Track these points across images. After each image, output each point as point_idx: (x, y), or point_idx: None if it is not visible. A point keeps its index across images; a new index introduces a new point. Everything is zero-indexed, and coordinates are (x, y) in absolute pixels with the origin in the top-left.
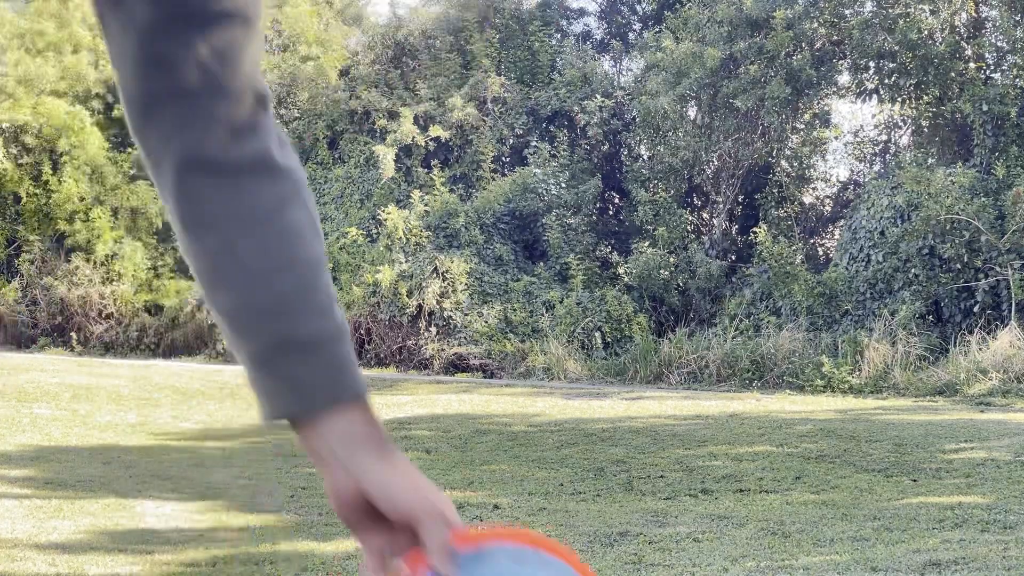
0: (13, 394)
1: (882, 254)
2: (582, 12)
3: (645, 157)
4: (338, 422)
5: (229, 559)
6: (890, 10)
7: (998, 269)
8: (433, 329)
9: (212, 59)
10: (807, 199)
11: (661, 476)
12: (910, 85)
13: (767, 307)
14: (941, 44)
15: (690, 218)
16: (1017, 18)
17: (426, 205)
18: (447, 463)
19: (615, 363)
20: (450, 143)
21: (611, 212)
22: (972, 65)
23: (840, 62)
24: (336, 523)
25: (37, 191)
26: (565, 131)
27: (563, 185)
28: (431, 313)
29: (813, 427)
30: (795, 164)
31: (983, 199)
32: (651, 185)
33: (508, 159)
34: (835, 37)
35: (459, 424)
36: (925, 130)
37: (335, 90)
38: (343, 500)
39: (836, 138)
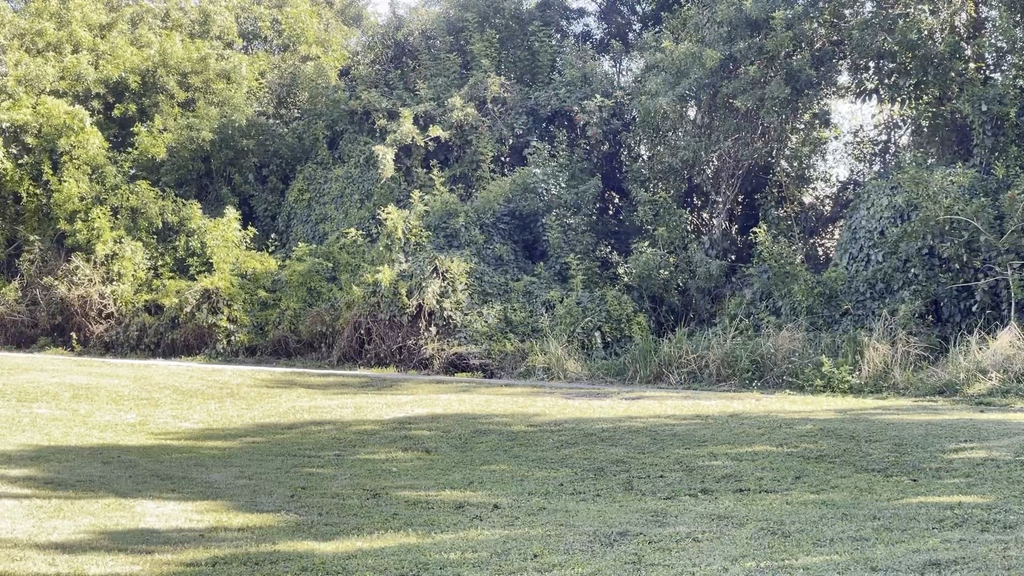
0: (13, 394)
1: (882, 254)
2: (582, 12)
3: (645, 157)
4: None
5: (229, 559)
6: (890, 10)
7: (997, 269)
8: (433, 329)
9: None
10: (807, 199)
11: (661, 476)
12: (910, 85)
13: (767, 307)
14: (941, 44)
15: (690, 218)
16: (1017, 18)
17: (426, 205)
18: (447, 463)
19: (615, 363)
20: (450, 143)
21: (611, 212)
22: (972, 65)
23: (840, 62)
24: (336, 523)
25: (37, 191)
26: (565, 131)
27: (563, 185)
28: (431, 313)
29: (813, 427)
30: (795, 164)
31: (982, 199)
32: (651, 185)
33: (508, 159)
34: (835, 37)
35: (459, 424)
36: (925, 130)
37: (335, 90)
38: None
39: (836, 138)
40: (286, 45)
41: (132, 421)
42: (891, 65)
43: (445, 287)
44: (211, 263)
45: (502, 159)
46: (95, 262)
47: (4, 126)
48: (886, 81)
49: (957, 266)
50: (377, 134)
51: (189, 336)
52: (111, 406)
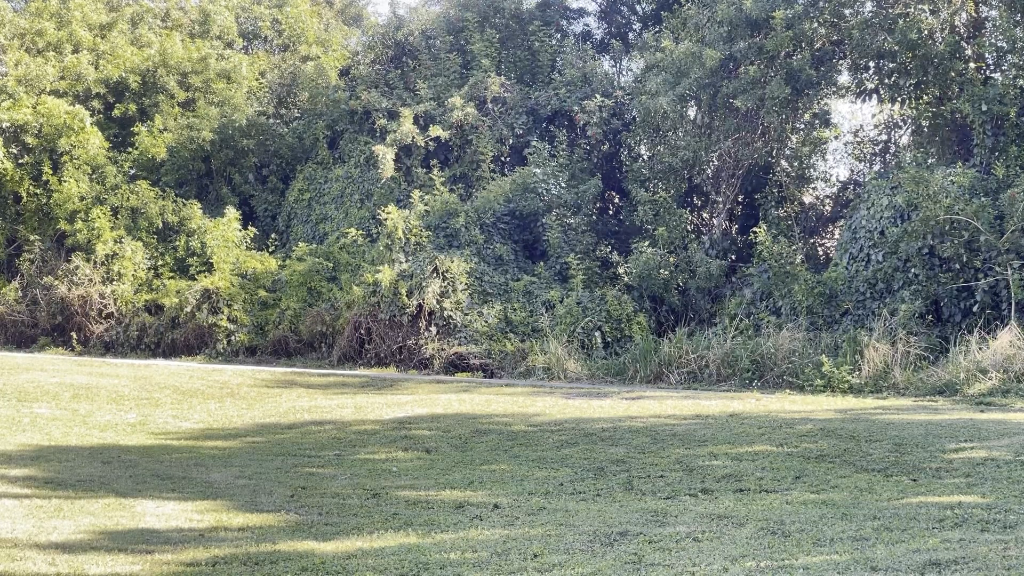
0: (13, 394)
1: (882, 254)
2: (582, 12)
3: (645, 157)
4: None
5: (229, 559)
6: (890, 10)
7: (997, 269)
8: (433, 329)
9: None
10: (807, 199)
11: (661, 476)
12: (910, 85)
13: (767, 307)
14: (941, 44)
15: (690, 218)
16: (1017, 18)
17: (426, 205)
18: (447, 463)
19: (615, 363)
20: (450, 143)
21: (611, 212)
22: (972, 65)
23: (840, 62)
24: (336, 523)
25: (37, 191)
26: (565, 131)
27: (563, 185)
28: (431, 313)
29: (813, 427)
30: (795, 164)
31: (982, 199)
32: (651, 185)
33: (508, 159)
34: (835, 37)
35: (459, 424)
36: (925, 130)
37: (335, 90)
38: None
39: (836, 138)
40: (286, 45)
41: (132, 421)
42: (891, 65)
43: (445, 287)
44: (211, 263)
45: (502, 159)
46: (95, 262)
47: (4, 126)
48: (886, 81)
49: (957, 266)
50: (377, 134)
51: (189, 336)
52: (111, 406)
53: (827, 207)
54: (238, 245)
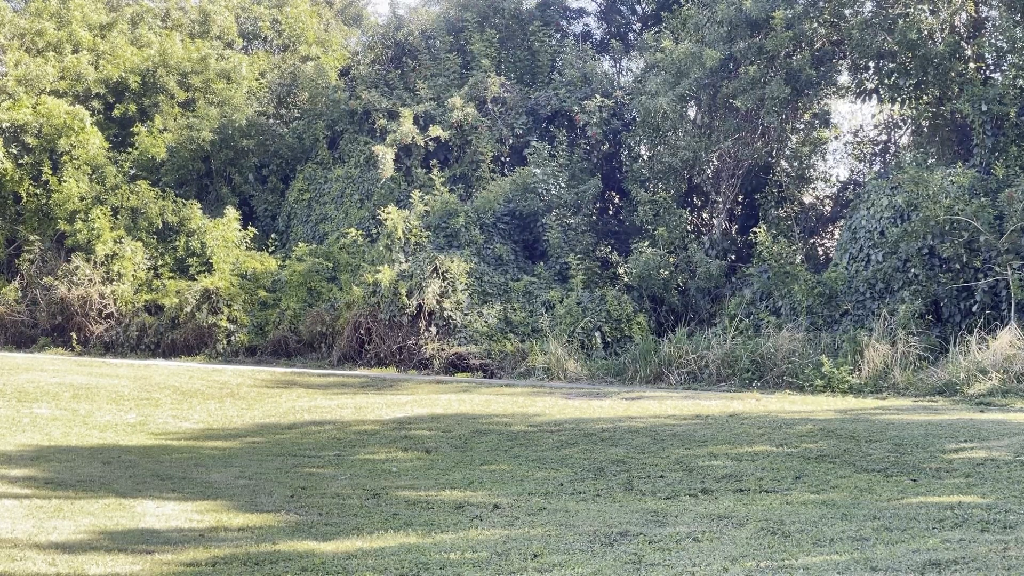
0: (13, 394)
1: (882, 254)
2: (582, 12)
3: (645, 157)
4: None
5: (229, 559)
6: (890, 10)
7: (997, 269)
8: (433, 329)
9: None
10: (807, 199)
11: (661, 476)
12: (910, 85)
13: (767, 307)
14: (941, 44)
15: (690, 218)
16: (1017, 18)
17: (426, 205)
18: (447, 463)
19: (615, 363)
20: (450, 143)
21: (611, 212)
22: (972, 65)
23: (840, 62)
24: (336, 523)
25: (37, 191)
26: (565, 131)
27: (563, 185)
28: (431, 313)
29: (813, 427)
30: (795, 164)
31: (982, 199)
32: (651, 185)
33: (508, 159)
34: (835, 37)
35: (459, 424)
36: (925, 130)
37: (335, 90)
38: None
39: (836, 138)
40: (286, 45)
41: (132, 421)
42: (891, 65)
43: (445, 287)
44: (211, 263)
45: (502, 159)
46: (95, 262)
47: (4, 126)
48: (886, 81)
49: (957, 266)
50: (377, 134)
51: (189, 336)
52: (111, 406)
53: (827, 207)
54: (238, 245)
